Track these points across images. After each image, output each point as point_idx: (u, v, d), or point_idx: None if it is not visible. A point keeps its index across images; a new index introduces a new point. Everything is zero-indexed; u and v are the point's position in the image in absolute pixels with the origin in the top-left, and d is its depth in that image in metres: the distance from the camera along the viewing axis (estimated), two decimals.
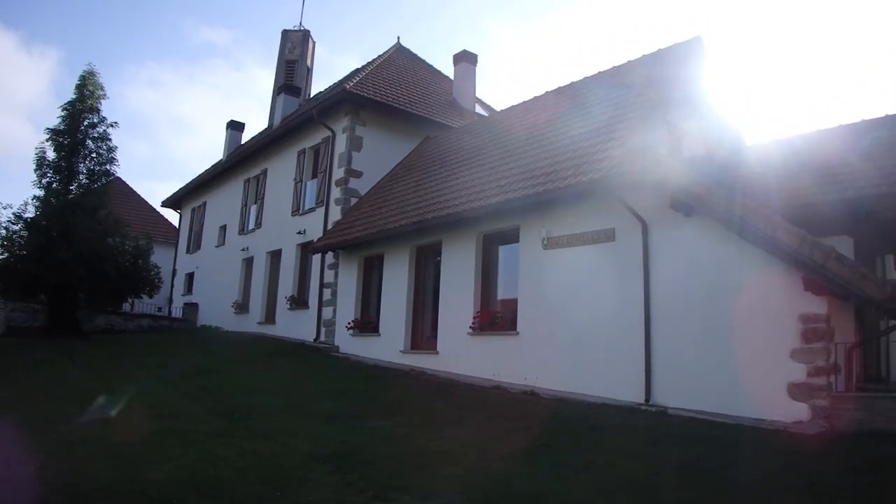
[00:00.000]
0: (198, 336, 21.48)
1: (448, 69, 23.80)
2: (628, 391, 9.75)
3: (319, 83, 78.01)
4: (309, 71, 43.95)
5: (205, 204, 28.34)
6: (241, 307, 22.85)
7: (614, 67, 15.07)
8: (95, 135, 21.41)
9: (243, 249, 23.14)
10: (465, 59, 22.65)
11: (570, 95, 15.18)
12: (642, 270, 9.95)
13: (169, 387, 11.82)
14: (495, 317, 12.50)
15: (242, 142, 30.04)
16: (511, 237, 12.55)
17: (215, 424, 8.64)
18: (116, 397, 10.51)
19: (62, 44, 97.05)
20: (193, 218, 29.42)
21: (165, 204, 31.67)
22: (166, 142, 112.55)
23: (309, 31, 43.24)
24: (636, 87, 12.94)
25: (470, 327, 12.69)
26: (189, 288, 27.83)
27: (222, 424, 8.63)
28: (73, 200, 19.71)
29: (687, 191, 9.36)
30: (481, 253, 13.15)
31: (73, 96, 21.60)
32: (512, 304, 12.32)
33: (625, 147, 10.42)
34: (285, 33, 43.12)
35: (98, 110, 21.59)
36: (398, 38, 25.88)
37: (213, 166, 31.03)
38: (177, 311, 27.44)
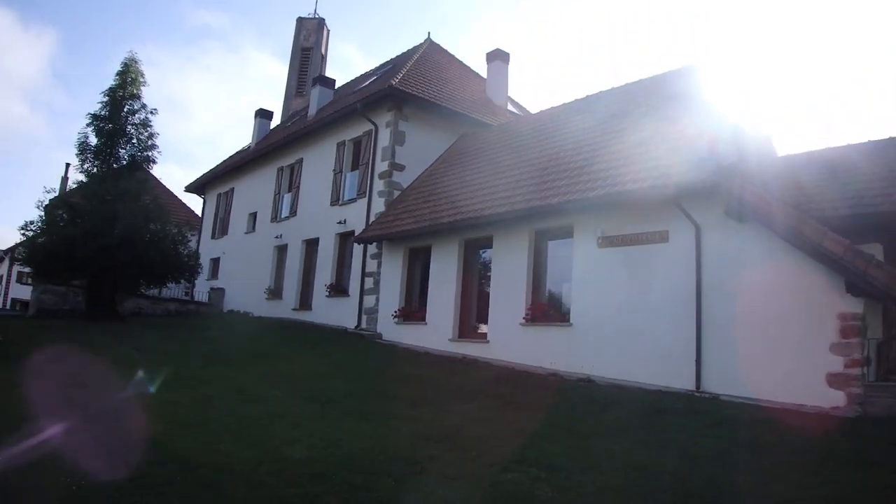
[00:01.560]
0: (233, 321, 22.65)
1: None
2: (680, 379, 11.04)
3: (331, 71, 78.76)
4: (323, 59, 44.99)
5: (232, 190, 29.47)
6: (274, 293, 24.07)
7: (654, 76, 16.31)
8: (136, 121, 22.47)
9: (277, 237, 24.32)
10: (498, 58, 23.89)
11: (607, 102, 16.41)
12: (695, 270, 11.22)
13: (239, 371, 12.86)
14: (548, 308, 13.79)
15: (263, 129, 31.19)
16: (562, 233, 13.81)
17: (308, 408, 9.68)
18: (197, 381, 11.69)
19: (59, 23, 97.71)
20: (219, 203, 30.56)
21: (189, 189, 32.73)
22: (161, 122, 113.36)
23: (324, 19, 44.23)
24: (677, 98, 14.19)
25: (523, 318, 13.96)
26: (214, 273, 28.94)
27: (315, 408, 9.67)
28: (117, 186, 20.76)
29: (741, 199, 10.65)
30: (533, 248, 14.40)
31: (114, 82, 22.65)
32: (566, 298, 13.60)
33: (680, 156, 11.69)
34: (300, 21, 44.05)
35: (139, 97, 22.65)
36: (429, 33, 26.93)
37: (238, 153, 32.19)
38: (200, 296, 28.55)
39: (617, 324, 12.21)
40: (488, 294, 15.43)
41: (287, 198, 24.77)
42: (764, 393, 10.01)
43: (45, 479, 5.99)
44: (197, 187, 32.43)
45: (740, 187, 10.78)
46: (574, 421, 9.00)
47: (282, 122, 33.02)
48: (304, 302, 22.31)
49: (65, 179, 36.90)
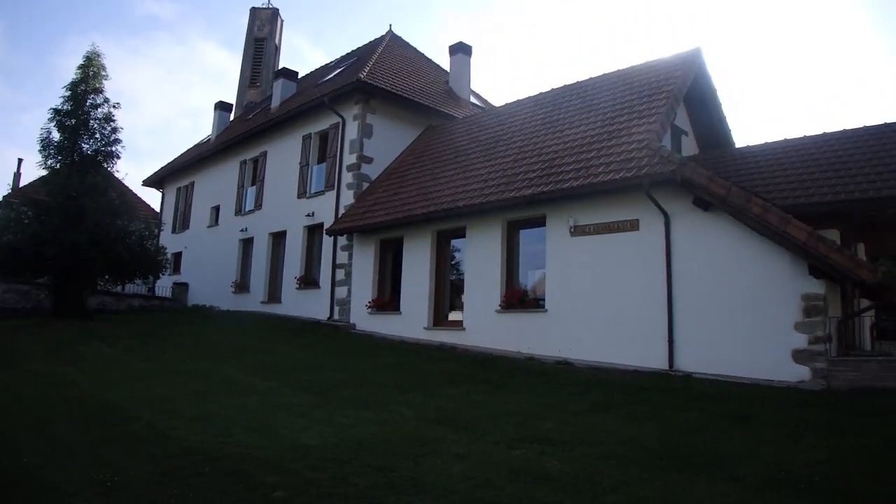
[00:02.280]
0: (203, 315, 22.67)
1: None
2: (653, 359, 11.70)
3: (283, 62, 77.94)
4: (277, 49, 44.72)
5: (193, 184, 29.30)
6: (241, 287, 24.15)
7: (619, 70, 16.91)
8: (99, 115, 22.31)
9: (242, 230, 24.37)
10: (461, 51, 24.30)
11: (577, 94, 17.00)
12: (665, 256, 11.89)
13: (225, 365, 13.14)
14: (523, 296, 14.35)
15: (223, 122, 31.06)
16: (535, 223, 14.36)
17: (304, 398, 10.04)
18: (185, 375, 11.95)
19: (1, 14, 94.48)
20: (179, 197, 30.35)
21: (147, 183, 32.37)
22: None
23: (278, 10, 43.92)
24: (645, 90, 14.86)
25: (498, 305, 14.50)
26: (176, 267, 28.80)
27: (312, 398, 10.03)
28: (83, 182, 20.60)
29: (708, 189, 11.31)
30: (506, 238, 14.93)
31: (75, 76, 22.43)
32: (539, 285, 14.18)
33: (650, 147, 12.33)
34: (254, 11, 43.65)
35: (101, 91, 22.48)
36: (390, 25, 27.13)
37: (196, 145, 32.01)
38: (163, 291, 28.41)
39: (591, 309, 12.82)
40: (461, 283, 15.92)
41: (251, 191, 24.83)
42: (734, 370, 10.73)
43: (76, 475, 6.25)
44: (155, 181, 32.10)
45: (707, 178, 11.45)
46: (561, 400, 9.55)
47: (241, 115, 32.88)
48: (273, 295, 22.47)
49: (17, 175, 36.22)
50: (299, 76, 28.19)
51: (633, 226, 12.54)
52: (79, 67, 22.49)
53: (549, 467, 6.36)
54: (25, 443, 7.46)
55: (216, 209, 27.01)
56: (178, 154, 32.43)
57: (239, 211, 25.18)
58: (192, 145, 33.19)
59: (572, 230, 13.37)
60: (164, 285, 28.34)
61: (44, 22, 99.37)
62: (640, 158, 12.24)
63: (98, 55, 22.67)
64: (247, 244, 24.48)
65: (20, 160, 39.57)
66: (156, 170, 32.71)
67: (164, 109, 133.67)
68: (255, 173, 24.77)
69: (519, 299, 14.33)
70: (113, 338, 17.15)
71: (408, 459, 6.67)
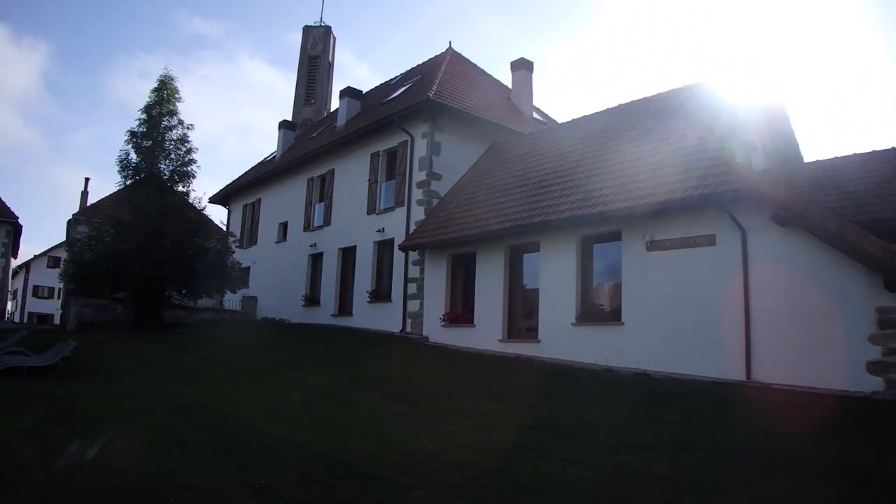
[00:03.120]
0: (277, 328, 23.75)
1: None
2: (730, 371, 12.22)
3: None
4: (331, 67, 46.07)
5: (259, 200, 30.59)
6: (311, 300, 25.22)
7: (686, 87, 17.49)
8: (174, 137, 23.64)
9: (311, 245, 25.45)
10: (523, 67, 25.12)
11: (645, 111, 17.57)
12: (742, 270, 12.43)
13: (315, 375, 14.02)
14: (599, 309, 14.98)
15: (288, 140, 32.32)
16: (609, 237, 15.00)
17: (402, 406, 10.76)
18: (281, 386, 12.76)
19: (52, 36, 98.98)
20: (246, 214, 31.67)
21: (213, 200, 33.79)
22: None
23: (330, 27, 45.29)
24: (716, 107, 15.38)
25: (575, 318, 15.15)
26: (245, 281, 30.02)
27: (410, 407, 10.73)
28: (163, 201, 21.89)
29: (786, 205, 11.84)
30: (580, 252, 15.59)
31: (149, 99, 23.81)
32: (615, 298, 14.80)
33: (726, 164, 12.90)
34: (307, 29, 45.14)
35: (175, 113, 23.83)
36: (450, 42, 28.07)
37: (260, 163, 33.42)
38: (231, 304, 29.66)
39: (668, 321, 13.40)
40: (534, 296, 16.60)
41: (319, 207, 25.90)
42: (810, 381, 11.21)
43: (222, 478, 6.90)
44: (221, 198, 33.50)
45: (785, 194, 11.98)
46: (649, 411, 10.15)
47: (303, 132, 34.13)
48: (344, 308, 23.45)
49: (84, 194, 38.00)
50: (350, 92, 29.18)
51: (709, 241, 13.10)
52: (153, 91, 23.92)
53: (656, 471, 7.02)
54: (161, 450, 8.06)
55: (284, 225, 28.19)
56: (243, 172, 33.94)
57: (307, 227, 26.29)
58: (255, 163, 34.61)
59: (648, 245, 13.98)
60: (232, 299, 29.56)
61: (93, 43, 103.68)
62: (716, 175, 12.82)
63: (171, 79, 24.11)
64: (316, 259, 25.55)
65: (87, 179, 41.52)
66: (221, 187, 34.16)
67: (212, 127, 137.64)
68: (323, 190, 25.85)
69: (595, 312, 14.97)
70: (200, 350, 18.22)
71: (522, 463, 7.37)
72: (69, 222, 37.39)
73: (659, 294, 13.69)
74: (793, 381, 11.39)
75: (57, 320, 54.72)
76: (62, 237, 57.85)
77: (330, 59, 45.99)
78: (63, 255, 56.67)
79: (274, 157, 32.29)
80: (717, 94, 15.91)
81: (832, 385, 10.94)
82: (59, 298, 59.39)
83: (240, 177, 33.24)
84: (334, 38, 45.59)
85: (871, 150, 15.44)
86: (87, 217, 36.01)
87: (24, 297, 54.14)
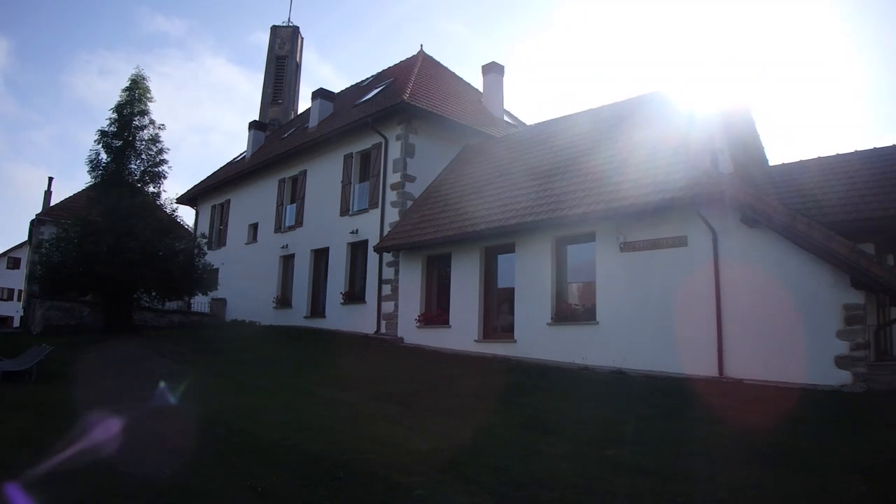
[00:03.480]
0: (249, 330, 23.76)
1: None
2: (703, 367, 12.71)
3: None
4: (298, 67, 45.96)
5: (228, 201, 30.49)
6: (282, 302, 25.27)
7: (656, 92, 18.03)
8: (146, 137, 23.52)
9: (283, 247, 25.51)
10: (494, 70, 25.52)
11: (617, 114, 18.06)
12: (713, 270, 12.94)
13: (296, 377, 14.18)
14: (574, 309, 15.40)
15: (258, 141, 32.30)
16: (584, 238, 15.42)
17: (389, 408, 11.01)
18: (263, 389, 12.87)
19: (11, 33, 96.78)
20: (214, 215, 31.54)
21: (180, 200, 33.50)
22: None
23: (298, 28, 45.21)
24: (685, 112, 15.91)
25: (550, 318, 15.55)
26: (215, 284, 29.86)
27: (396, 408, 10.99)
28: (133, 202, 21.77)
29: (756, 208, 12.37)
30: (555, 253, 15.99)
31: (120, 99, 23.63)
32: (589, 298, 15.23)
33: (698, 168, 13.40)
34: (274, 29, 44.97)
35: (147, 113, 23.69)
36: (421, 45, 28.29)
37: (229, 163, 33.31)
38: (199, 306, 29.52)
39: (642, 320, 13.85)
40: (510, 297, 16.96)
41: (291, 208, 25.97)
42: (781, 375, 11.78)
43: (223, 482, 6.98)
44: (189, 199, 33.27)
45: (755, 197, 12.52)
46: (630, 406, 10.55)
47: (273, 133, 34.12)
48: (316, 310, 23.58)
49: (48, 193, 37.44)
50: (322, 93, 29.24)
51: (681, 242, 13.59)
52: (124, 90, 23.76)
53: (645, 464, 7.39)
54: (154, 455, 8.10)
55: (254, 226, 28.18)
56: (210, 172, 33.74)
57: (279, 228, 26.32)
58: (222, 163, 34.46)
59: (622, 246, 14.43)
60: (201, 301, 29.37)
61: (53, 39, 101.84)
62: (689, 178, 13.31)
63: (143, 78, 23.94)
64: (287, 260, 25.62)
65: (50, 179, 40.80)
66: (186, 188, 34.03)
67: (173, 125, 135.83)
68: (295, 191, 25.92)
69: (570, 312, 15.39)
70: (174, 353, 18.17)
71: (516, 460, 7.68)
72: (32, 223, 36.77)
73: (632, 294, 14.14)
74: (764, 376, 11.93)
75: (16, 323, 53.72)
76: (21, 237, 56.73)
77: (297, 59, 45.88)
78: (24, 255, 55.85)
79: (244, 157, 32.19)
80: (685, 98, 16.46)
81: (802, 380, 11.51)
82: (18, 300, 58.30)
83: (208, 177, 33.08)
84: (302, 39, 45.49)
85: (834, 153, 16.15)
86: (53, 218, 35.51)
87: None
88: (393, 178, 20.94)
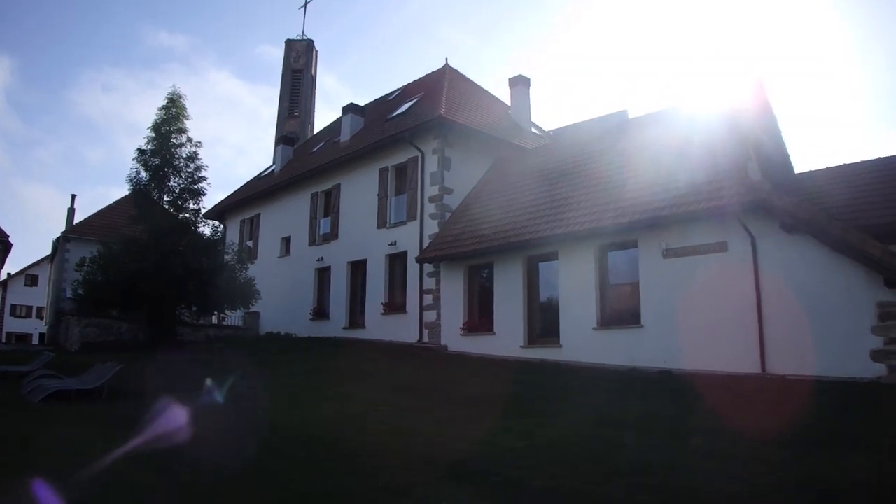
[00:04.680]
0: (290, 342, 24.85)
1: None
2: (745, 365, 13.88)
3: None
4: (313, 80, 47.32)
5: (259, 215, 31.78)
6: (319, 314, 26.51)
7: (688, 102, 19.33)
8: (184, 154, 24.80)
9: (318, 259, 26.77)
10: (521, 83, 26.83)
11: (650, 125, 19.33)
12: (753, 273, 14.14)
13: (361, 386, 15.13)
14: (619, 313, 16.61)
15: (286, 156, 33.61)
16: (627, 245, 16.65)
17: (462, 411, 11.95)
18: (334, 399, 13.76)
19: (15, 51, 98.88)
20: (244, 229, 32.81)
21: (207, 215, 34.74)
22: (122, 147, 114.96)
23: (312, 41, 46.57)
24: (717, 121, 17.12)
25: (596, 323, 16.76)
26: (255, 296, 30.89)
27: (468, 411, 11.99)
28: (176, 219, 23.05)
29: (794, 214, 13.58)
30: (598, 260, 17.21)
31: (157, 118, 24.90)
32: (633, 302, 16.41)
33: (736, 177, 14.62)
34: (289, 43, 46.37)
35: (184, 131, 24.98)
36: (446, 59, 29.56)
37: (256, 178, 34.56)
38: (232, 320, 30.72)
39: (685, 322, 15.02)
40: (554, 303, 18.17)
41: (325, 222, 27.24)
42: (819, 370, 12.91)
43: (356, 483, 8.00)
44: (216, 214, 34.51)
45: (793, 204, 13.73)
46: (690, 402, 11.68)
47: (300, 147, 35.42)
48: (355, 320, 24.82)
49: (71, 210, 38.70)
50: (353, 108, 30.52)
51: (721, 247, 14.80)
52: (161, 108, 25.04)
53: (725, 450, 8.53)
54: (275, 465, 8.52)
55: (287, 240, 29.44)
56: (238, 187, 34.93)
57: (313, 241, 27.57)
58: (250, 178, 35.67)
59: (665, 253, 15.64)
60: (233, 314, 30.53)
61: (57, 58, 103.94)
62: (728, 187, 14.53)
63: (180, 97, 25.23)
64: (323, 273, 26.88)
65: (73, 196, 41.92)
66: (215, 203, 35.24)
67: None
68: (328, 204, 27.19)
69: (615, 316, 16.60)
70: (230, 366, 19.05)
71: (608, 454, 8.71)
72: (57, 240, 38.11)
73: (676, 297, 15.33)
74: (804, 371, 13.08)
75: (35, 340, 55.04)
76: (33, 254, 57.88)
77: (312, 72, 47.18)
78: (44, 273, 57.22)
79: (272, 171, 33.50)
80: (714, 106, 17.71)
81: (840, 373, 12.67)
82: (37, 318, 59.68)
83: (235, 191, 34.32)
84: (316, 52, 46.84)
85: (858, 160, 17.42)
86: (79, 235, 36.85)
87: (0, 316, 54.42)
88: (431, 190, 22.19)
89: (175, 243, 22.57)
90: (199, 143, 25.18)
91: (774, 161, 19.30)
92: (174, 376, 17.23)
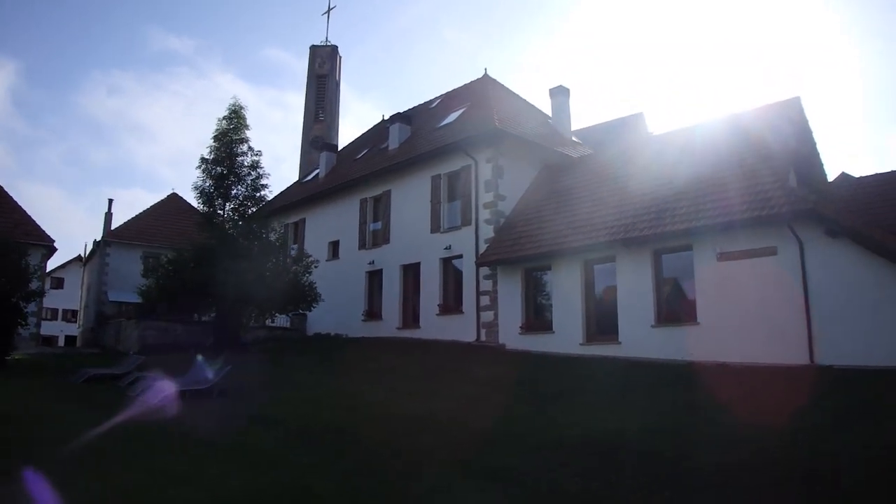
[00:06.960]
0: (346, 342, 27.21)
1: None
2: (794, 357, 16.20)
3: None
4: (338, 85, 49.74)
5: (304, 220, 34.21)
6: (371, 315, 28.93)
7: (730, 115, 21.71)
8: (246, 163, 27.17)
9: (370, 263, 29.19)
10: (561, 94, 29.41)
11: (692, 136, 21.75)
12: (801, 275, 16.52)
13: (439, 384, 17.12)
14: (675, 312, 19.01)
15: (329, 162, 36.00)
16: (681, 248, 19.00)
17: (532, 405, 14.07)
18: (428, 395, 15.74)
19: (22, 54, 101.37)
20: (287, 233, 35.12)
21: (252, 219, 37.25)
22: (127, 148, 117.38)
23: (337, 47, 49.04)
24: (758, 133, 19.54)
25: (654, 321, 19.15)
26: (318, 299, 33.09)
27: (539, 405, 14.07)
28: (245, 226, 25.42)
29: (838, 221, 15.97)
30: (654, 263, 19.60)
31: (217, 128, 27.26)
32: (689, 301, 18.80)
33: (784, 186, 17.00)
34: (314, 49, 48.83)
35: (246, 140, 27.36)
36: (485, 69, 32.02)
37: (298, 182, 36.98)
38: (279, 322, 33.00)
39: (739, 319, 17.37)
40: (612, 302, 20.54)
41: (375, 226, 29.67)
42: (863, 360, 15.15)
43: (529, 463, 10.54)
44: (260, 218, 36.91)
45: (835, 211, 16.15)
46: (758, 392, 13.82)
47: (342, 153, 37.86)
48: (408, 321, 27.22)
49: (109, 215, 41.12)
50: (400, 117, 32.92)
51: (771, 251, 17.18)
52: (223, 118, 27.36)
53: (803, 427, 10.82)
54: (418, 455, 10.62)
55: (335, 244, 31.88)
56: (279, 192, 37.35)
57: (363, 245, 30.00)
58: (290, 184, 38.02)
59: (719, 256, 18.02)
60: (281, 316, 32.76)
61: (62, 60, 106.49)
62: (778, 196, 16.90)
63: (241, 107, 27.62)
64: (374, 275, 29.32)
65: (110, 201, 44.27)
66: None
67: (184, 141, 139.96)
68: (378, 210, 29.64)
69: (672, 315, 18.98)
70: (305, 366, 21.44)
71: (707, 434, 11.08)
72: (97, 244, 40.62)
73: (729, 297, 17.70)
74: (847, 361, 15.40)
75: (62, 342, 57.45)
76: (59, 258, 60.33)
77: (337, 77, 49.49)
78: (74, 276, 59.59)
79: (316, 176, 35.93)
80: (764, 121, 20.13)
81: (882, 362, 14.92)
82: (63, 320, 62.15)
83: (278, 196, 36.72)
84: (340, 58, 49.22)
85: (887, 171, 19.89)
86: (118, 240, 39.29)
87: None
88: (485, 197, 24.58)
89: (246, 248, 24.83)
90: (260, 151, 27.49)
91: (811, 169, 21.74)
92: (259, 375, 19.39)
